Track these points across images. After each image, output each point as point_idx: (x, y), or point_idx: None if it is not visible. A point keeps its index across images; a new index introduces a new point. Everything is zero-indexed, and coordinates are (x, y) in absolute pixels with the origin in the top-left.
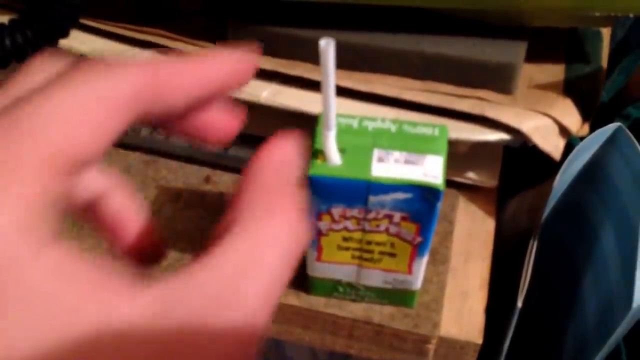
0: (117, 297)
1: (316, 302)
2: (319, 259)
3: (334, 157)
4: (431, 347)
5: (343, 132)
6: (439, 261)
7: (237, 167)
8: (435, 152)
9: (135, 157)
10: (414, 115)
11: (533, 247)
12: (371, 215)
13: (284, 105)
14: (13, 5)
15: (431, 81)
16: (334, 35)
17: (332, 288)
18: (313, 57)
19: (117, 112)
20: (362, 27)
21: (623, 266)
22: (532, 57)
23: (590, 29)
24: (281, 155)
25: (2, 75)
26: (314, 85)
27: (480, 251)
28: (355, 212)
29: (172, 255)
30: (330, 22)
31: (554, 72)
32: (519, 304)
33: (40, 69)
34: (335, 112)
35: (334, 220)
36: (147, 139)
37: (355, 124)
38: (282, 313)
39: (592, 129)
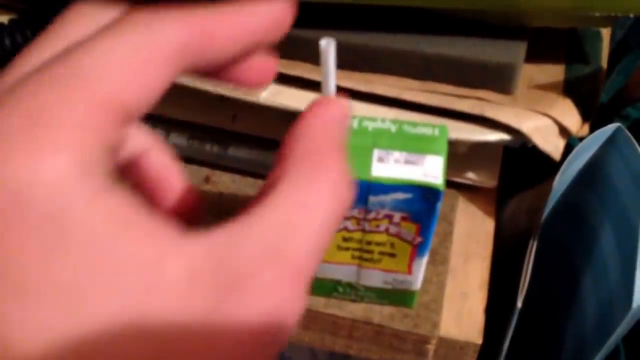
0: (171, 245)
1: (316, 302)
2: None
3: None
4: (431, 347)
5: None
6: (439, 261)
7: (236, 167)
8: (435, 152)
9: None
10: (413, 116)
11: (533, 247)
12: (371, 216)
13: (284, 106)
14: (13, 5)
15: (431, 81)
16: (334, 35)
17: (331, 288)
18: (313, 57)
19: (166, 63)
20: (362, 27)
21: (622, 266)
22: (532, 57)
23: (590, 29)
24: (329, 115)
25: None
26: (313, 86)
27: (480, 251)
28: (355, 212)
29: None
30: (330, 22)
31: (554, 72)
32: (519, 304)
33: (81, 22)
34: None
35: None
36: None
37: (355, 124)
38: None
39: (591, 130)
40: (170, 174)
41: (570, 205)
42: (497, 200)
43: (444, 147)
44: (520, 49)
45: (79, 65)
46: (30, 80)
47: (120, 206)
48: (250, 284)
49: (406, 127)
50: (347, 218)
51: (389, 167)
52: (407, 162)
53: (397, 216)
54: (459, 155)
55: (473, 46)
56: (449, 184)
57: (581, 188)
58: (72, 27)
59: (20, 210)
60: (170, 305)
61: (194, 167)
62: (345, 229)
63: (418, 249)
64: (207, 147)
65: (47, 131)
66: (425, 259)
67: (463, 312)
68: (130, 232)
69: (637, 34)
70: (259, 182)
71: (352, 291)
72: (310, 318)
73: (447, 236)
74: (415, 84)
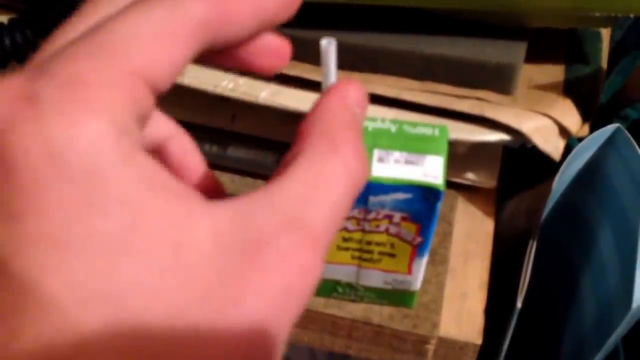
0: (198, 207)
1: (315, 303)
2: None
3: None
4: (430, 347)
5: None
6: (438, 262)
7: (235, 168)
8: (435, 152)
9: None
10: (413, 116)
11: (532, 248)
12: (371, 216)
13: (283, 106)
14: (13, 5)
15: (431, 81)
16: (333, 35)
17: (331, 288)
18: (312, 57)
19: (189, 38)
20: (362, 28)
21: (622, 267)
22: (532, 57)
23: (590, 29)
24: (346, 97)
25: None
26: (313, 86)
27: (480, 252)
28: (355, 212)
29: None
30: (329, 22)
31: (554, 72)
32: (519, 304)
33: (108, 1)
34: None
35: None
36: None
37: None
38: None
39: (590, 131)
40: (192, 161)
41: (570, 205)
42: (496, 201)
43: (444, 147)
44: (520, 49)
45: (111, 37)
46: (67, 51)
47: (152, 168)
48: (271, 247)
49: (406, 127)
50: (347, 218)
51: (389, 167)
52: (407, 162)
53: (397, 216)
54: (459, 156)
55: (473, 46)
56: (449, 184)
57: (580, 189)
58: (101, 6)
59: (61, 167)
60: (197, 263)
61: None
62: (345, 229)
63: (418, 249)
64: (206, 147)
65: (84, 95)
66: (425, 259)
67: (463, 313)
68: (162, 192)
69: (636, 34)
70: (258, 182)
71: (351, 291)
72: (310, 318)
73: (446, 236)
74: (415, 84)
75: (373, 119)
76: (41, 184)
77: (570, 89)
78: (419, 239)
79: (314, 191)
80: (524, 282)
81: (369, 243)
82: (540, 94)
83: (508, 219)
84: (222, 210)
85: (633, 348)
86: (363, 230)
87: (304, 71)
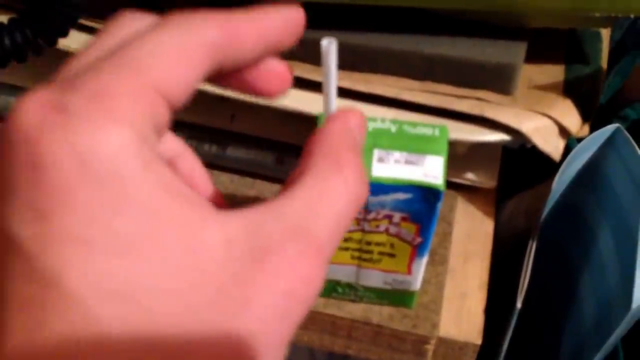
0: (210, 215)
1: (315, 303)
2: None
3: None
4: (430, 347)
5: None
6: (438, 262)
7: (235, 167)
8: (435, 152)
9: None
10: (413, 116)
11: (532, 248)
12: (371, 216)
13: (283, 106)
14: (13, 5)
15: (431, 82)
16: (334, 35)
17: (331, 288)
18: (312, 57)
19: (202, 58)
20: (362, 28)
21: (621, 267)
22: (532, 57)
23: (590, 29)
24: (348, 122)
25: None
26: (313, 86)
27: (479, 252)
28: None
29: None
30: (329, 22)
31: (554, 72)
32: (519, 304)
33: (128, 25)
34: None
35: None
36: None
37: None
38: None
39: (590, 131)
40: (199, 178)
41: (569, 206)
42: (496, 201)
43: (444, 147)
44: (520, 49)
45: (132, 55)
46: (94, 66)
47: (169, 176)
48: (278, 255)
49: (406, 127)
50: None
51: (389, 167)
52: (407, 162)
53: (397, 216)
54: (459, 156)
55: (473, 47)
56: (448, 184)
57: (580, 189)
58: (121, 29)
59: (87, 171)
60: (210, 266)
61: None
62: None
63: (418, 250)
64: (206, 147)
65: (109, 106)
66: (425, 260)
67: (462, 313)
68: (178, 198)
69: (635, 35)
70: (258, 182)
71: (351, 291)
72: (309, 318)
73: (446, 236)
74: (415, 84)
75: (373, 119)
76: (68, 186)
77: (570, 89)
78: (418, 239)
79: (319, 205)
80: (523, 282)
81: (368, 243)
82: (540, 94)
83: (508, 219)
84: (233, 218)
85: (632, 348)
86: (363, 230)
87: (304, 71)
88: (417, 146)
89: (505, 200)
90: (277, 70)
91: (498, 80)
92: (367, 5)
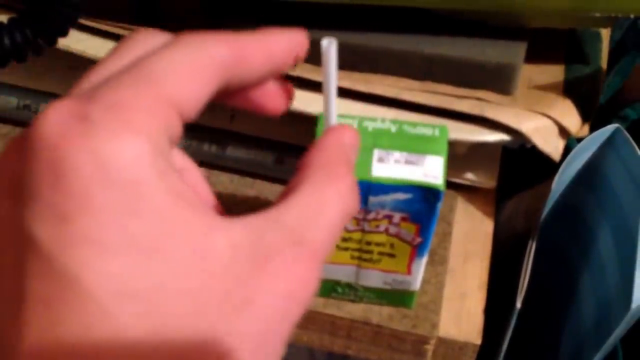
0: (217, 222)
1: (314, 303)
2: None
3: None
4: (430, 347)
5: None
6: (438, 262)
7: (235, 167)
8: (435, 152)
9: None
10: (413, 116)
11: (532, 248)
12: (371, 216)
13: None
14: (13, 5)
15: (431, 82)
16: (334, 35)
17: (330, 288)
18: (312, 57)
19: (212, 75)
20: (362, 28)
21: (621, 267)
22: (532, 57)
23: (590, 29)
24: (344, 138)
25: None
26: (313, 86)
27: (479, 252)
28: None
29: None
30: (329, 22)
31: (554, 72)
32: (518, 304)
33: (143, 42)
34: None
35: None
36: None
37: (355, 124)
38: None
39: (590, 131)
40: (203, 191)
41: (569, 206)
42: (496, 201)
43: (444, 147)
44: (520, 49)
45: (148, 70)
46: (113, 80)
47: (180, 185)
48: (277, 259)
49: (406, 127)
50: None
51: (389, 167)
52: (407, 162)
53: (397, 216)
54: (458, 156)
55: (473, 47)
56: (448, 184)
57: (579, 189)
58: (136, 45)
59: (106, 177)
60: (216, 269)
61: None
62: (345, 229)
63: (418, 250)
64: (206, 147)
65: (127, 117)
66: (424, 260)
67: (462, 313)
68: (188, 206)
69: (635, 35)
70: (257, 182)
71: (351, 291)
72: (309, 318)
73: (446, 236)
74: (415, 84)
75: (373, 119)
76: (87, 191)
77: (570, 89)
78: (418, 239)
79: (314, 215)
80: (523, 282)
81: (368, 243)
82: (540, 94)
83: (507, 219)
84: (237, 225)
85: (632, 348)
86: (363, 231)
87: (304, 71)
88: (417, 146)
89: (505, 201)
90: (280, 90)
91: (498, 80)
92: (367, 5)
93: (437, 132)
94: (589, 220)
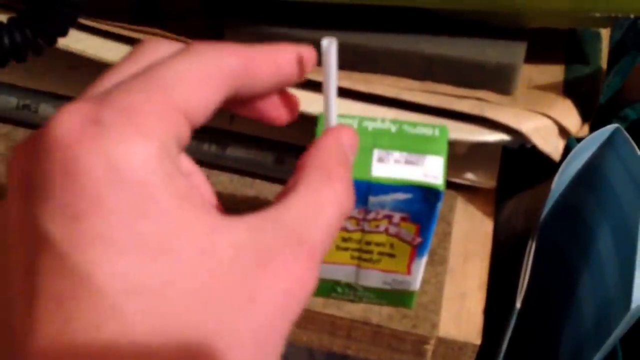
0: (220, 222)
1: (314, 303)
2: None
3: None
4: (429, 347)
5: None
6: (437, 262)
7: (234, 167)
8: (435, 152)
9: None
10: (413, 116)
11: (531, 248)
12: (371, 216)
13: None
14: (13, 5)
15: (430, 82)
16: (334, 35)
17: (330, 288)
18: None
19: (221, 83)
20: (362, 28)
21: (621, 267)
22: (532, 57)
23: (590, 29)
24: (342, 139)
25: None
26: (313, 86)
27: (479, 252)
28: (354, 212)
29: None
30: (329, 22)
31: (554, 73)
32: (518, 304)
33: (154, 49)
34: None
35: None
36: None
37: (355, 124)
38: None
39: (590, 131)
40: (206, 195)
41: (569, 206)
42: (495, 201)
43: (444, 147)
44: (519, 49)
45: (159, 77)
46: (124, 86)
47: (186, 187)
48: (277, 258)
49: (406, 127)
50: (346, 218)
51: (389, 167)
52: (407, 162)
53: (396, 216)
54: (458, 156)
55: (473, 47)
56: (448, 184)
57: (579, 189)
58: (148, 52)
59: (117, 179)
60: (220, 267)
61: None
62: (345, 229)
63: (417, 250)
64: (205, 147)
65: (138, 121)
66: (424, 260)
67: (462, 313)
68: (194, 207)
69: (635, 35)
70: (257, 182)
71: (351, 291)
72: (309, 318)
73: (446, 237)
74: (415, 84)
75: (373, 119)
76: (99, 191)
77: (570, 89)
78: (418, 239)
79: (313, 215)
80: (523, 282)
81: (368, 243)
82: (540, 94)
83: (506, 219)
84: (239, 225)
85: (632, 348)
86: (362, 231)
87: None
88: (417, 146)
89: (505, 201)
90: (285, 101)
91: (498, 80)
92: (367, 5)
93: (437, 132)
94: (588, 220)
